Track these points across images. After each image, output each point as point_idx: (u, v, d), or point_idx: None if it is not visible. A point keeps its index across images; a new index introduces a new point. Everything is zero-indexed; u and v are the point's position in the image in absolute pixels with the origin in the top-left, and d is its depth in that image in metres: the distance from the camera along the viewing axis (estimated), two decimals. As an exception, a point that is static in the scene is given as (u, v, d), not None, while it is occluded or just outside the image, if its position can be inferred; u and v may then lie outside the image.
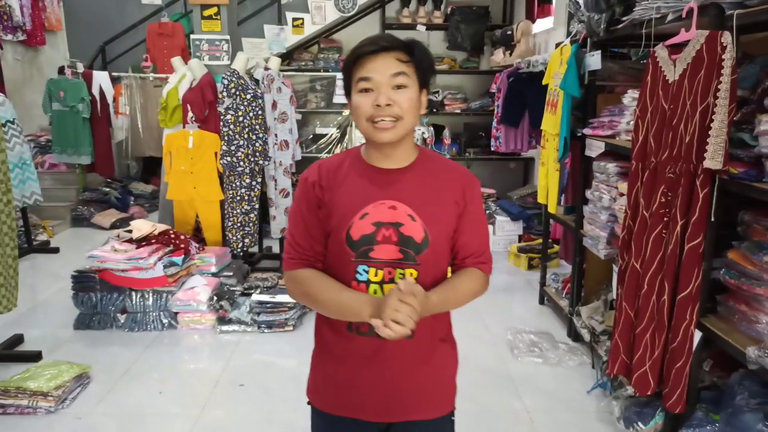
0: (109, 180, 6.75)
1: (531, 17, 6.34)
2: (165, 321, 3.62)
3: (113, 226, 5.87)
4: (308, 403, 1.45)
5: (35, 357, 3.18)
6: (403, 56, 1.24)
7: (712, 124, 1.88)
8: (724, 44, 1.86)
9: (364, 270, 1.28)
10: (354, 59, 1.25)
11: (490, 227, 5.19)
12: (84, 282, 3.61)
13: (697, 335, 2.08)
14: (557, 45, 3.65)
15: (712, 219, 1.99)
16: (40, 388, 2.71)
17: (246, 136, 4.19)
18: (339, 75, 6.57)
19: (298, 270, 1.33)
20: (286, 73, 6.01)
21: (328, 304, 1.29)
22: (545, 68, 3.78)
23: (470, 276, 1.36)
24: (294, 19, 6.50)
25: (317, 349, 1.43)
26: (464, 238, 1.34)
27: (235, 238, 4.34)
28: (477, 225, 1.37)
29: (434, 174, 1.33)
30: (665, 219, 2.18)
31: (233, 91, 4.12)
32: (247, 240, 4.41)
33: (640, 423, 2.38)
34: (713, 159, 1.87)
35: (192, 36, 4.83)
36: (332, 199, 1.30)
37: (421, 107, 1.28)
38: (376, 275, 1.28)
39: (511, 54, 6.08)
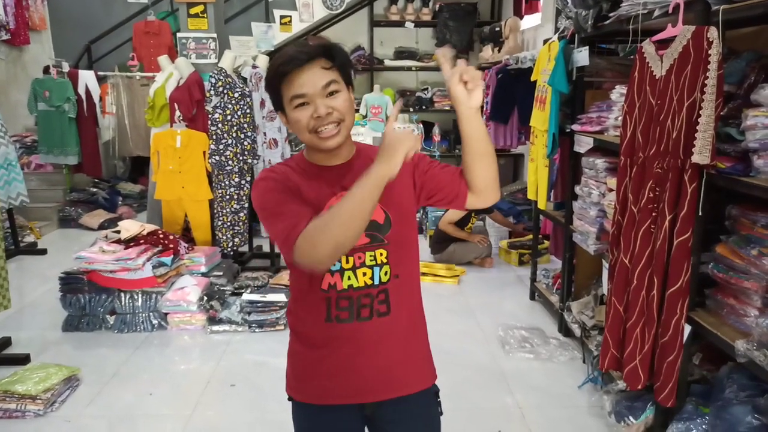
0: (96, 180, 6.69)
1: (519, 14, 6.35)
2: (155, 322, 3.60)
3: (101, 227, 5.82)
4: (289, 399, 1.45)
5: (23, 360, 3.15)
6: (326, 63, 1.24)
7: (699, 119, 1.89)
8: (711, 39, 1.87)
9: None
10: (279, 77, 1.24)
11: (480, 223, 5.19)
12: (72, 283, 3.58)
13: (687, 329, 2.10)
14: (545, 41, 3.66)
15: (700, 213, 2.00)
16: (28, 392, 2.69)
17: (234, 134, 4.17)
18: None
19: (302, 232, 1.19)
20: (274, 71, 5.97)
21: (345, 215, 1.16)
22: (533, 64, 3.78)
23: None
24: (282, 17, 6.46)
25: (294, 345, 1.43)
26: (436, 179, 1.36)
27: (224, 237, 4.32)
28: (437, 167, 1.37)
29: (373, 158, 1.25)
30: (653, 214, 2.19)
31: (221, 89, 4.10)
32: (236, 239, 4.39)
33: (630, 417, 2.40)
34: (701, 154, 1.88)
35: (179, 34, 4.79)
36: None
37: (353, 103, 1.31)
38: (347, 262, 1.30)
39: (499, 50, 6.09)
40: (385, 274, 1.32)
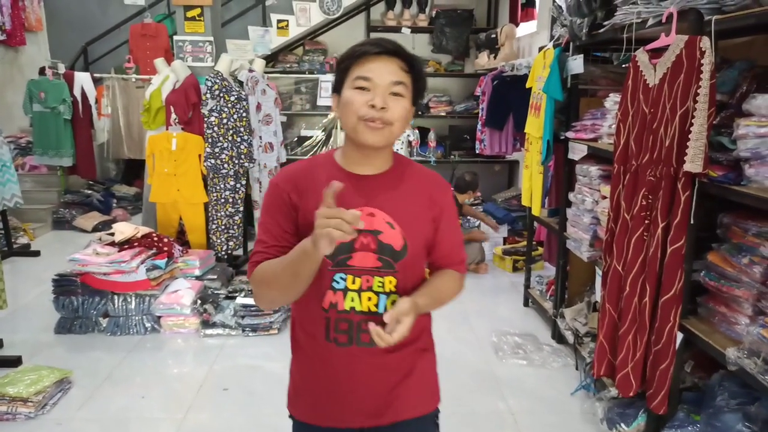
0: (91, 182, 6.68)
1: (515, 21, 6.38)
2: (148, 325, 3.59)
3: (95, 229, 5.80)
4: (290, 416, 1.42)
5: (15, 362, 3.13)
6: (405, 66, 1.22)
7: (691, 128, 1.91)
8: (703, 49, 1.88)
9: (341, 278, 1.25)
10: (356, 56, 1.21)
11: (475, 225, 5.23)
12: (65, 286, 3.56)
13: (679, 337, 2.11)
14: (540, 49, 3.68)
15: (692, 221, 2.02)
16: (19, 394, 2.67)
17: (230, 138, 4.17)
18: (323, 77, 6.57)
19: (255, 270, 1.26)
20: (270, 75, 5.99)
21: (278, 273, 1.20)
22: (529, 71, 3.80)
23: (449, 277, 1.39)
24: (279, 21, 6.48)
25: (295, 360, 1.40)
26: (441, 242, 1.35)
27: (219, 240, 4.32)
28: (452, 228, 1.38)
29: (409, 180, 1.32)
30: (646, 222, 2.20)
31: (217, 92, 4.10)
32: (231, 243, 4.39)
33: (622, 424, 2.41)
34: (693, 162, 1.89)
35: (175, 37, 4.79)
36: (308, 206, 1.24)
37: (409, 121, 1.27)
38: (353, 283, 1.25)
39: (495, 57, 6.12)
40: (392, 303, 1.25)
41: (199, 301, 3.68)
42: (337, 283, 1.25)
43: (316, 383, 1.33)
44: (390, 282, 1.27)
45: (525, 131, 3.81)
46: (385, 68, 1.20)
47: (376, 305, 1.26)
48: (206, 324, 3.62)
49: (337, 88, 1.27)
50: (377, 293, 1.26)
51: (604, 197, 2.73)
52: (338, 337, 1.27)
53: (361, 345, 1.27)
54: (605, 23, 2.64)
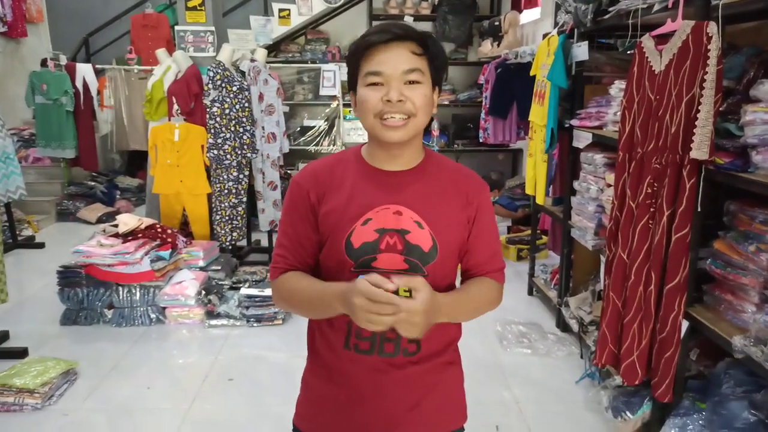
0: (94, 174, 6.68)
1: (518, 8, 6.33)
2: (153, 316, 3.60)
3: (99, 221, 5.81)
4: (294, 429, 1.32)
5: (21, 353, 3.15)
6: (417, 49, 1.12)
7: (698, 115, 1.89)
8: (710, 34, 1.86)
9: None
10: (362, 50, 1.12)
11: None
12: (70, 277, 3.57)
13: (684, 325, 2.10)
14: (544, 36, 3.65)
15: (699, 209, 2.00)
16: (26, 385, 2.69)
17: (233, 128, 4.16)
18: (326, 67, 6.54)
19: (279, 277, 1.23)
20: (272, 64, 5.96)
21: (302, 298, 1.18)
22: (533, 59, 3.77)
23: (485, 284, 1.27)
24: (280, 10, 6.44)
25: (311, 367, 1.30)
26: (476, 246, 1.24)
27: (223, 231, 4.32)
28: (489, 231, 1.26)
29: (441, 178, 1.22)
30: (651, 209, 2.18)
31: (219, 83, 4.08)
32: (235, 233, 4.39)
33: (627, 412, 2.41)
34: (699, 149, 1.87)
35: (177, 27, 4.78)
36: (330, 204, 1.18)
37: (433, 106, 1.17)
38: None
39: (498, 45, 6.07)
40: None
41: (203, 292, 3.68)
42: None
43: (331, 395, 1.24)
44: None
45: (529, 119, 3.78)
46: (395, 57, 1.10)
47: None
48: (211, 315, 3.63)
49: (351, 86, 1.19)
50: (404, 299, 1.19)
51: (609, 185, 2.72)
52: (359, 343, 1.18)
53: (384, 355, 1.18)
54: (610, 9, 2.61)
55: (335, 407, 1.24)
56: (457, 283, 1.29)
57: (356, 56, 1.14)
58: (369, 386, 1.20)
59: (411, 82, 1.12)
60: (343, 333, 1.20)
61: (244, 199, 4.39)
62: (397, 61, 1.11)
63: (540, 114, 3.49)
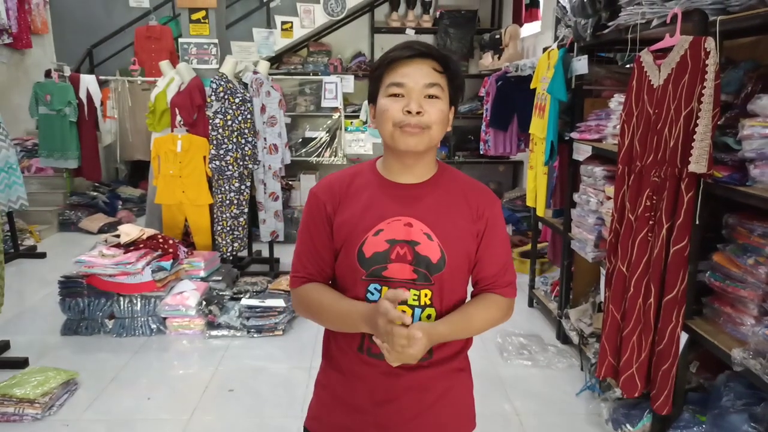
0: (96, 184, 6.70)
1: (519, 21, 6.38)
2: (153, 326, 3.60)
3: (101, 231, 5.82)
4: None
5: (22, 363, 3.15)
6: (438, 66, 1.18)
7: (696, 129, 1.90)
8: (708, 49, 1.88)
9: (375, 289, 1.21)
10: (387, 63, 1.19)
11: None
12: (71, 287, 3.58)
13: (684, 337, 2.11)
14: (545, 49, 3.68)
15: (697, 222, 2.01)
16: (26, 395, 2.69)
17: (235, 139, 4.18)
18: (328, 79, 6.58)
19: (301, 287, 1.29)
20: (275, 76, 6.00)
21: (329, 315, 1.24)
22: (533, 72, 3.80)
23: (489, 303, 1.29)
24: (283, 23, 6.49)
25: (325, 369, 1.34)
26: (486, 260, 1.27)
27: (224, 242, 4.33)
28: (499, 245, 1.29)
29: (453, 191, 1.27)
30: (650, 222, 2.20)
31: (222, 94, 4.11)
32: (236, 244, 4.40)
33: (628, 425, 2.40)
34: (698, 163, 1.89)
35: (180, 39, 4.82)
36: (344, 215, 1.23)
37: (448, 124, 1.23)
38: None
39: (499, 58, 6.11)
40: (428, 317, 1.22)
41: (204, 303, 3.69)
42: (372, 294, 1.22)
43: (349, 398, 1.27)
44: (425, 295, 1.21)
45: (529, 132, 3.81)
46: (417, 71, 1.17)
47: (411, 318, 1.19)
48: (211, 325, 3.64)
49: (372, 98, 1.24)
50: (412, 306, 1.21)
51: (609, 198, 2.73)
52: (372, 347, 1.20)
53: None
54: (609, 24, 2.64)
55: (348, 409, 1.27)
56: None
57: (380, 69, 1.20)
58: (382, 389, 1.24)
59: (430, 96, 1.17)
60: (357, 336, 1.24)
61: (246, 210, 4.40)
62: (419, 75, 1.17)
63: (540, 127, 3.52)
